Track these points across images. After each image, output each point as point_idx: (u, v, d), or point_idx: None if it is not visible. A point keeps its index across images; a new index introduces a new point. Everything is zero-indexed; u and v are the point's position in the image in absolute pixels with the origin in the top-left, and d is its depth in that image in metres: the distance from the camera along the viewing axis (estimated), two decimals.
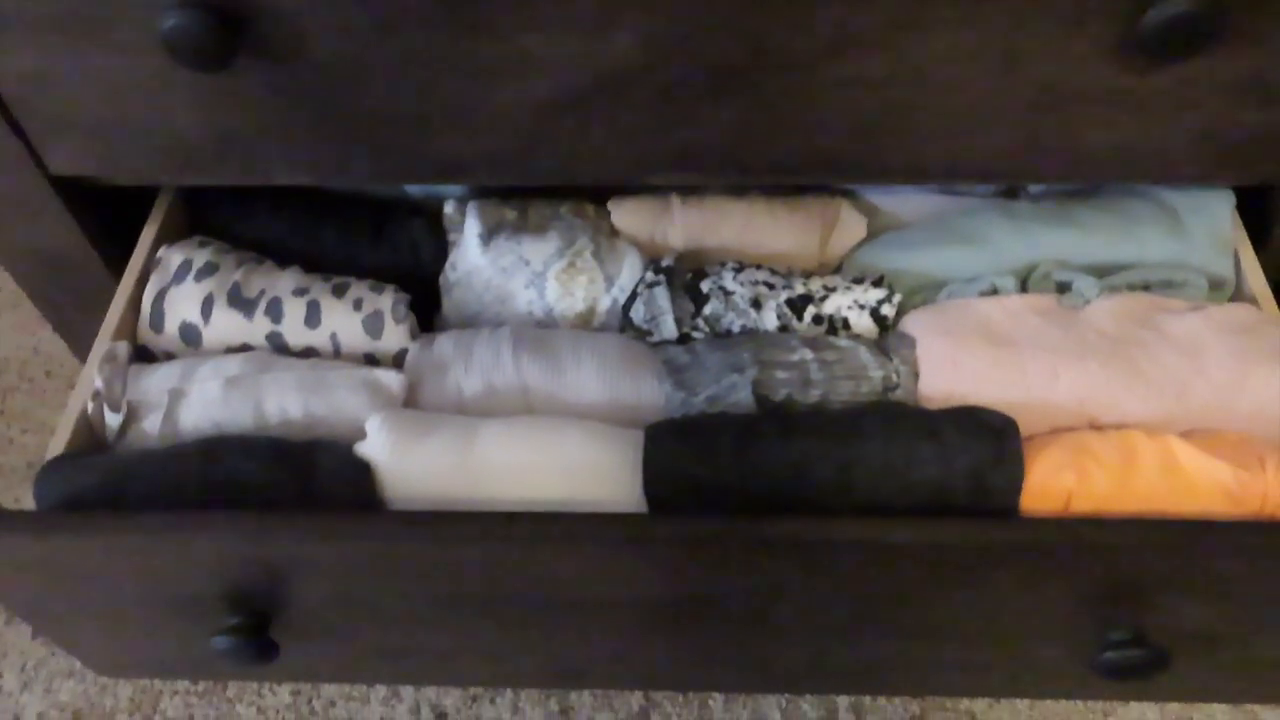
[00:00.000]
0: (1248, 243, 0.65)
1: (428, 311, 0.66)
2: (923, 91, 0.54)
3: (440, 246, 0.67)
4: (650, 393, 0.59)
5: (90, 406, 0.58)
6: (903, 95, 0.55)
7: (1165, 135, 0.57)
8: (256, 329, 0.61)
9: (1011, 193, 0.70)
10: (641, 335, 0.62)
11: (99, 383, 0.58)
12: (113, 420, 0.58)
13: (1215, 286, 0.63)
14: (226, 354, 0.61)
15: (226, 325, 0.61)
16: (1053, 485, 0.54)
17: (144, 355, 0.63)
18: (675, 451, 0.54)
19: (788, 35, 0.52)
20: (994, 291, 0.62)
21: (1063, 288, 0.62)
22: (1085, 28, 0.51)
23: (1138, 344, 0.58)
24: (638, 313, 0.62)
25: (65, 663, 0.92)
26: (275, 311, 0.61)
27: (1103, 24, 0.51)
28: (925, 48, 0.52)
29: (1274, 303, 0.62)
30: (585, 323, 0.64)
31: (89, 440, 0.59)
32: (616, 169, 0.60)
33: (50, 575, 0.54)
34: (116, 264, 0.66)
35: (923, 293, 0.64)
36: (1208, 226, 0.63)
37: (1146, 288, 0.62)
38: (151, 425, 0.58)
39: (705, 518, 0.51)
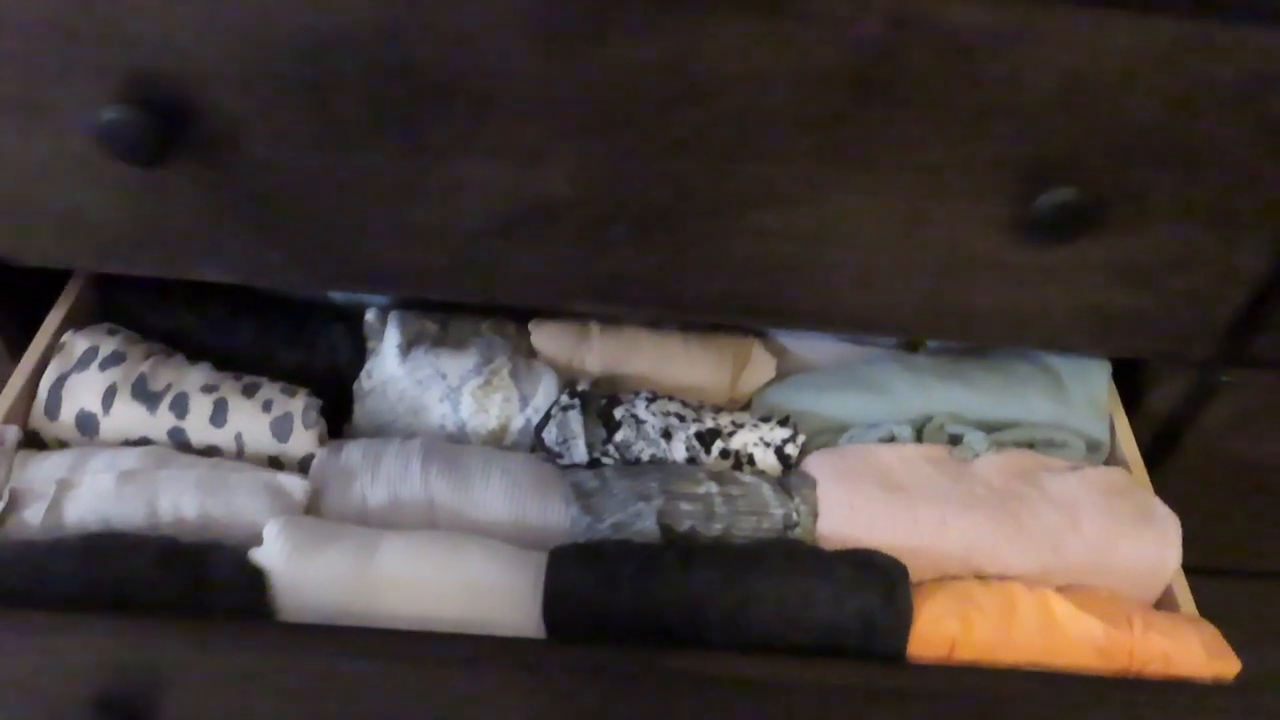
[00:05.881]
0: (1121, 410, 0.69)
1: (339, 417, 0.66)
2: (834, 247, 0.58)
3: (358, 353, 0.67)
4: (556, 515, 0.59)
5: None
6: (816, 248, 0.58)
7: (1050, 306, 0.61)
8: (159, 423, 0.60)
9: (912, 345, 0.74)
10: (552, 457, 0.63)
11: None
12: None
13: (1092, 448, 0.67)
14: (123, 447, 0.59)
15: (128, 417, 0.60)
16: (938, 632, 0.55)
17: (35, 442, 0.61)
18: (577, 576, 0.54)
19: (711, 183, 0.55)
20: (892, 438, 0.65)
21: (955, 440, 0.65)
22: (983, 204, 0.56)
23: (1020, 499, 0.61)
24: (550, 435, 0.63)
25: None
26: (180, 407, 0.60)
27: (999, 202, 0.55)
28: (839, 207, 0.56)
29: (1144, 468, 0.66)
30: (497, 440, 0.65)
31: None
32: (540, 294, 0.61)
33: None
34: (16, 346, 0.64)
35: (825, 434, 0.67)
36: (1086, 392, 0.68)
37: (1031, 445, 0.66)
38: (34, 515, 0.55)
39: (601, 648, 0.52)
